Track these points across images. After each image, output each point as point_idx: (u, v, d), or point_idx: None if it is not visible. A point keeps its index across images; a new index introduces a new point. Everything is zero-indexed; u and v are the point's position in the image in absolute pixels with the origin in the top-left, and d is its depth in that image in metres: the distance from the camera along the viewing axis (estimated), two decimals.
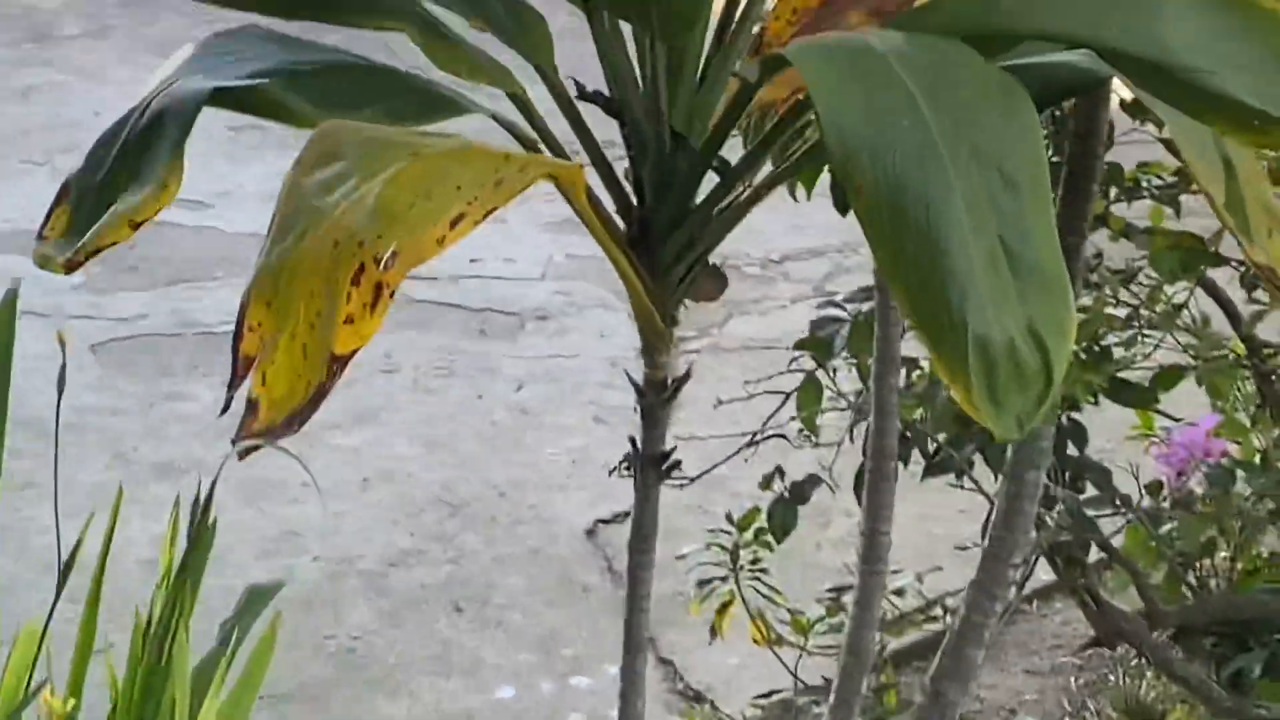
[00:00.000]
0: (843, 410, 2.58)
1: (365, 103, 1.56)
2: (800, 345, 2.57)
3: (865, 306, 2.60)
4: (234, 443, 1.29)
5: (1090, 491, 2.59)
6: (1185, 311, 2.63)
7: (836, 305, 2.65)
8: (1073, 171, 1.83)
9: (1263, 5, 1.44)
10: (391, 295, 1.25)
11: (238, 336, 1.27)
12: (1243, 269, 2.68)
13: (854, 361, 2.52)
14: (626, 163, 1.68)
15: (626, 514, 2.77)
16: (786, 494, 2.54)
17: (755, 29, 1.70)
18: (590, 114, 1.66)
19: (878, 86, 1.35)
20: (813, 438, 2.55)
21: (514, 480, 4.17)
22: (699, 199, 1.66)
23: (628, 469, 1.81)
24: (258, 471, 3.78)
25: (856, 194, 1.32)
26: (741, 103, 1.59)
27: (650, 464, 1.77)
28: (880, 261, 1.34)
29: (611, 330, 4.87)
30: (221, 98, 1.54)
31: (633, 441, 1.76)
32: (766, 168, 1.68)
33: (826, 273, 5.21)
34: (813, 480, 2.53)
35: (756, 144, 1.65)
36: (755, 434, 2.67)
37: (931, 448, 2.52)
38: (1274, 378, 2.68)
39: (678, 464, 1.78)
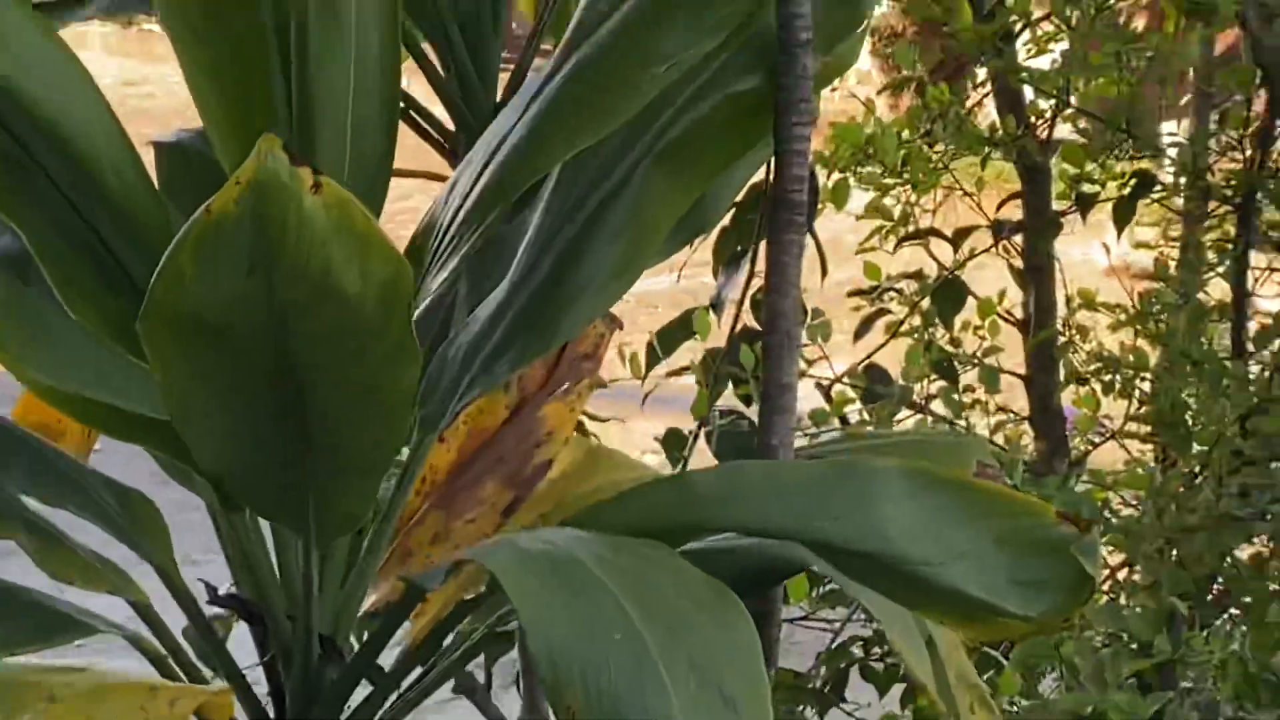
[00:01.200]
0: None
1: None
2: None
3: None
4: None
5: None
6: None
7: None
8: None
9: (977, 484, 1.36)
10: None
11: None
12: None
13: None
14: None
15: None
16: None
17: None
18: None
19: (584, 595, 1.21)
20: None
21: None
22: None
23: None
24: None
25: (568, 715, 1.16)
26: (406, 607, 1.43)
27: None
28: None
29: None
30: None
31: None
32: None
33: None
34: None
35: (412, 650, 1.48)
36: None
37: None
38: None
39: None
